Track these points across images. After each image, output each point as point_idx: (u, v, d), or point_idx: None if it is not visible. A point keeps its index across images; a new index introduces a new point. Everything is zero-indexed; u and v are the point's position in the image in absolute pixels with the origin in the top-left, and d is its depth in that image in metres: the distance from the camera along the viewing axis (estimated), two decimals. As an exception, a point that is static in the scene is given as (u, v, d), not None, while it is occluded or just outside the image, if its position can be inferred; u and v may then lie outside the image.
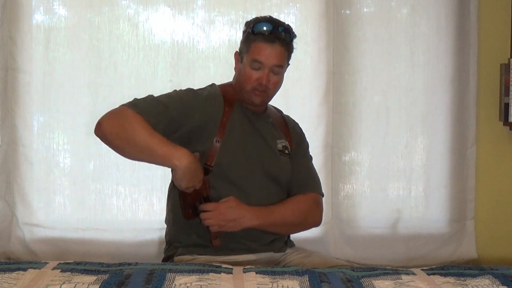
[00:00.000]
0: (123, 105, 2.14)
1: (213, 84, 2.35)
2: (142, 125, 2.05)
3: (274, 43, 2.19)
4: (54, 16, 3.00)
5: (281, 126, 2.40)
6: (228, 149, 2.23)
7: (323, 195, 2.42)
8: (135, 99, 2.18)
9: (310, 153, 2.49)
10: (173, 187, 2.32)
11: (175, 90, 2.30)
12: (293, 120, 2.50)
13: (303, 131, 2.50)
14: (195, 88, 2.31)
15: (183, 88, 2.31)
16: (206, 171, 2.19)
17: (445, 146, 3.14)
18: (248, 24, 2.26)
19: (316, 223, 2.41)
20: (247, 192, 2.23)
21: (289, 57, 2.28)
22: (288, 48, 2.24)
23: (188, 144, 2.18)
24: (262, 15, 2.29)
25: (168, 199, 2.39)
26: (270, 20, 2.24)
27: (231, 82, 2.35)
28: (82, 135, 3.02)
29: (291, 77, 3.05)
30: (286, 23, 2.27)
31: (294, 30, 2.27)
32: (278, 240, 2.34)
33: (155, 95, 2.22)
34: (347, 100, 3.09)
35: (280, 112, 2.48)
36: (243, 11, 3.02)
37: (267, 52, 2.19)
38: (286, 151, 2.36)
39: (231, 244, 2.25)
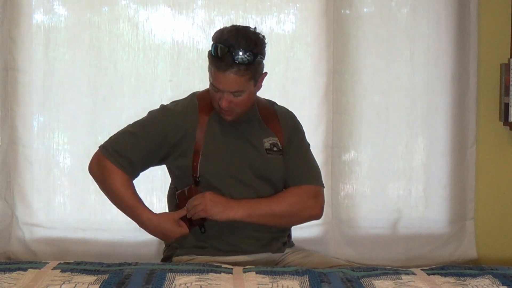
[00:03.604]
0: (101, 151, 2.26)
1: (192, 94, 2.33)
2: (117, 184, 2.23)
3: (227, 71, 2.07)
4: (54, 16, 3.00)
5: (270, 121, 2.32)
6: (211, 157, 2.22)
7: (323, 186, 2.34)
8: (111, 142, 2.27)
9: (308, 141, 2.40)
10: (171, 194, 2.32)
11: (148, 113, 2.31)
12: (286, 112, 2.38)
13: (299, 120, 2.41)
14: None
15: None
16: (195, 182, 2.21)
17: (445, 146, 3.14)
18: (212, 37, 2.14)
19: (315, 215, 2.31)
20: (235, 198, 2.22)
21: (254, 75, 2.13)
22: (247, 71, 2.08)
23: (173, 161, 2.24)
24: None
25: (167, 203, 2.39)
26: (228, 40, 2.07)
27: None
28: (82, 135, 3.01)
29: (291, 77, 3.05)
30: (255, 32, 2.12)
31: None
32: (276, 240, 2.32)
33: (128, 128, 2.28)
34: (347, 100, 3.09)
35: (272, 104, 2.38)
36: (243, 11, 3.02)
37: (221, 80, 2.10)
38: (275, 148, 2.29)
39: (228, 246, 2.25)
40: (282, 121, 2.34)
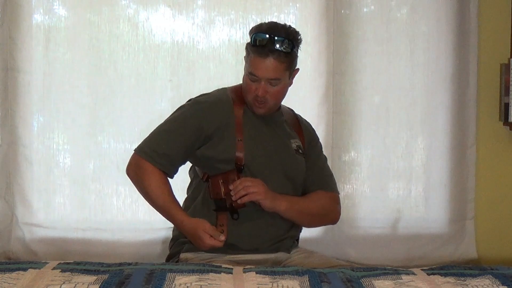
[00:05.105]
0: (138, 153, 2.27)
1: (222, 89, 2.37)
2: (153, 186, 2.25)
3: (268, 57, 2.16)
4: (54, 16, 3.00)
5: (294, 125, 2.42)
6: (250, 147, 2.26)
7: (339, 194, 2.48)
8: (146, 143, 2.28)
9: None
10: (199, 181, 2.33)
11: (179, 108, 2.33)
12: (306, 121, 2.52)
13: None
14: (208, 91, 2.37)
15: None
16: (239, 169, 2.23)
17: (445, 146, 3.14)
18: (250, 31, 2.25)
19: (335, 220, 2.47)
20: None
21: (290, 66, 2.24)
22: (286, 59, 2.19)
23: (207, 150, 2.25)
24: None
25: (187, 191, 2.42)
26: (269, 29, 2.19)
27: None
28: (82, 135, 3.01)
29: (291, 77, 3.05)
30: (291, 27, 2.23)
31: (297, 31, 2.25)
32: (289, 239, 2.36)
33: (162, 127, 2.30)
34: (347, 100, 3.09)
35: (292, 111, 2.50)
36: (243, 11, 3.02)
37: (261, 66, 2.18)
38: (300, 151, 2.37)
39: (240, 243, 2.26)
40: (303, 127, 2.45)
